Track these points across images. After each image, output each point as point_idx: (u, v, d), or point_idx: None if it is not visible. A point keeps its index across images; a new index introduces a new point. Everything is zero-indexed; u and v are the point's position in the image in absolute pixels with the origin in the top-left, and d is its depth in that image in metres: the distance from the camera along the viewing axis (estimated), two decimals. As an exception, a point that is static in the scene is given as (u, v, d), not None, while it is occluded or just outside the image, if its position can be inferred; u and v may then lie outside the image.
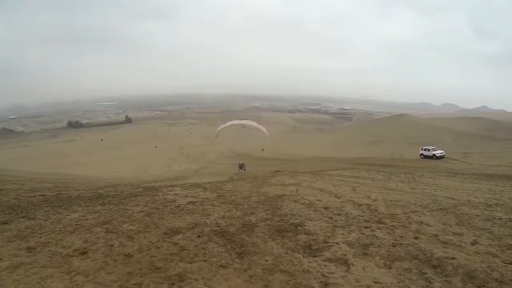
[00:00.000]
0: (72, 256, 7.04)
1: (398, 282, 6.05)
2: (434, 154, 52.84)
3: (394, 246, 7.72)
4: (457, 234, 8.64)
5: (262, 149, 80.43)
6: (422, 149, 55.93)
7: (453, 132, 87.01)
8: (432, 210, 11.37)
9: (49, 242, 7.78)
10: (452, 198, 13.93)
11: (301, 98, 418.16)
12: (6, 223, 9.20)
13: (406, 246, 7.71)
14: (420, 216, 10.48)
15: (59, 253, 7.17)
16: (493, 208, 11.99)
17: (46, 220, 9.72)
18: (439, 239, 8.25)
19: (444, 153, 53.35)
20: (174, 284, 5.94)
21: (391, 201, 12.99)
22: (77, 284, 5.84)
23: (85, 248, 7.46)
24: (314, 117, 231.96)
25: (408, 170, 31.07)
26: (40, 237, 8.12)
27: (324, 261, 6.98)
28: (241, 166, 39.92)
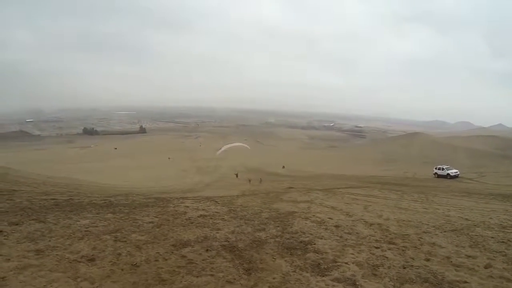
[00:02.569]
0: (79, 262, 7.06)
1: (407, 306, 5.92)
2: (448, 174, 51.99)
3: (405, 268, 7.56)
4: (470, 256, 8.45)
5: (283, 167, 79.83)
6: (436, 168, 55.12)
7: (467, 151, 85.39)
8: (445, 231, 11.19)
9: (57, 246, 7.83)
10: (466, 219, 13.72)
11: (316, 114, 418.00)
12: (17, 224, 9.29)
13: (417, 268, 7.55)
14: (432, 237, 10.30)
15: (67, 258, 7.20)
16: (508, 230, 11.76)
17: (56, 224, 9.80)
18: (451, 261, 8.07)
19: (458, 173, 52.47)
20: None
21: (403, 221, 12.81)
22: None
23: (93, 255, 7.48)
24: (328, 134, 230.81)
25: (421, 189, 30.68)
26: (49, 241, 8.17)
27: (332, 281, 6.86)
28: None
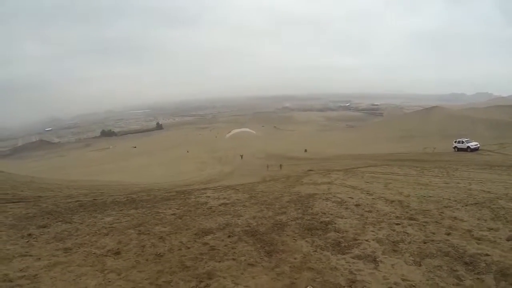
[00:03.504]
0: (105, 256, 7.36)
1: (427, 280, 5.94)
2: (468, 147, 50.81)
3: (425, 243, 7.58)
4: (492, 229, 8.37)
5: (305, 150, 79.55)
6: (455, 142, 53.94)
7: (487, 122, 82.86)
8: (466, 205, 11.05)
9: (84, 243, 8.15)
10: (488, 191, 13.47)
11: (331, 96, 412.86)
12: (45, 227, 9.65)
13: (438, 243, 7.55)
14: (453, 212, 10.22)
15: (94, 253, 7.51)
16: (532, 201, 11.50)
17: (82, 223, 10.14)
18: (472, 235, 8.03)
19: (479, 145, 51.22)
20: (203, 281, 6.10)
21: (424, 196, 12.70)
22: (109, 282, 6.13)
23: (118, 248, 7.77)
24: (345, 114, 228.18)
25: (441, 164, 30.22)
26: (76, 239, 8.51)
27: (353, 258, 6.95)
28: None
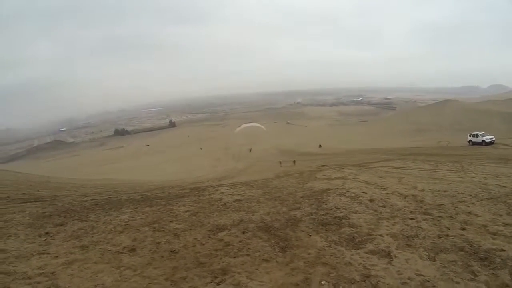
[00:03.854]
0: (121, 253, 7.51)
1: (442, 275, 5.91)
2: (483, 140, 49.98)
3: (440, 238, 7.53)
4: (508, 224, 8.26)
5: (320, 146, 78.98)
6: (470, 136, 53.19)
7: (502, 116, 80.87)
8: (481, 200, 10.93)
9: (100, 241, 8.32)
10: (503, 186, 13.26)
11: (343, 90, 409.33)
12: (62, 225, 9.87)
13: (452, 238, 7.50)
14: (468, 206, 10.12)
15: (110, 250, 7.68)
16: (549, 196, 11.31)
17: (97, 221, 10.32)
18: (488, 230, 7.94)
19: (494, 139, 50.34)
20: (217, 277, 6.18)
21: (438, 191, 12.59)
22: (126, 278, 6.26)
23: (133, 245, 7.92)
24: (357, 108, 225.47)
25: (455, 158, 29.87)
26: (92, 237, 8.69)
27: (367, 253, 6.95)
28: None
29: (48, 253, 7.47)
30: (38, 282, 6.01)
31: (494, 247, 6.93)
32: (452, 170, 19.67)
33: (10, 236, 8.77)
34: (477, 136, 51.52)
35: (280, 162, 48.28)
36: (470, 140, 52.56)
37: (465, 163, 23.29)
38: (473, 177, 16.31)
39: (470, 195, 11.66)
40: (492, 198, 11.15)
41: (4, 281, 6.00)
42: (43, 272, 6.43)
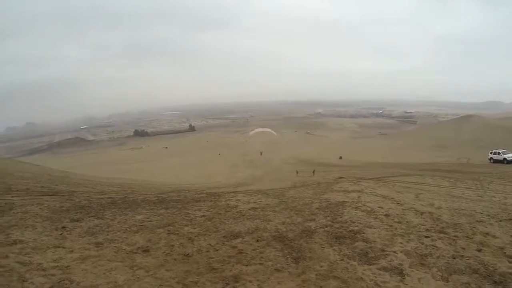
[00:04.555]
0: (135, 253, 7.65)
1: (454, 297, 5.85)
2: (505, 158, 48.49)
3: (454, 258, 7.41)
4: (526, 248, 8.06)
5: (340, 157, 78.20)
6: (491, 153, 51.78)
7: None
8: (500, 221, 10.71)
9: (115, 239, 8.51)
10: (524, 207, 13.05)
11: (364, 102, 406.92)
12: (78, 221, 10.13)
13: (468, 259, 7.37)
14: (486, 227, 9.93)
15: (124, 249, 7.83)
16: None
17: (113, 220, 10.55)
18: (505, 252, 7.77)
19: (516, 157, 49.21)
20: (229, 284, 6.23)
21: (456, 209, 12.40)
22: (138, 278, 6.36)
23: (147, 246, 8.06)
24: (377, 121, 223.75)
25: (475, 176, 29.25)
26: (107, 235, 8.88)
27: (379, 269, 6.90)
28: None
29: (64, 247, 7.66)
30: (53, 275, 6.15)
31: (510, 271, 6.78)
32: (471, 188, 19.37)
33: (27, 227, 9.03)
34: (499, 153, 50.22)
35: (297, 172, 48.05)
36: (491, 158, 51.31)
37: (485, 182, 22.91)
38: (493, 197, 16.04)
39: (489, 215, 11.44)
40: (511, 219, 10.93)
41: (20, 271, 6.16)
42: (57, 265, 6.59)
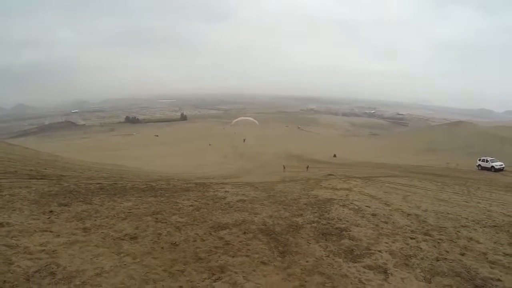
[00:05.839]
0: (122, 239, 7.65)
1: (435, 299, 5.94)
2: (492, 166, 48.93)
3: (438, 261, 7.54)
4: (508, 255, 8.21)
5: (334, 155, 78.16)
6: (479, 160, 52.31)
7: None
8: (484, 227, 10.89)
9: (103, 225, 8.47)
10: (508, 215, 13.19)
11: (356, 101, 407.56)
12: (66, 205, 10.03)
13: (451, 262, 7.51)
14: (470, 232, 10.09)
15: (111, 235, 7.81)
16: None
17: (101, 205, 10.49)
18: (487, 258, 7.92)
19: (503, 165, 49.35)
20: (215, 274, 6.27)
21: (442, 213, 12.56)
22: (125, 264, 6.37)
23: (135, 234, 8.05)
24: (369, 121, 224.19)
25: (463, 181, 29.58)
26: (95, 220, 8.84)
27: (364, 267, 6.99)
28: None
29: (51, 231, 7.60)
30: (39, 259, 6.12)
31: (491, 276, 6.92)
32: (458, 193, 19.59)
33: (15, 210, 8.92)
34: (487, 161, 50.73)
35: (284, 167, 47.95)
36: (479, 165, 51.81)
37: (472, 188, 23.18)
38: (479, 203, 16.23)
39: (474, 221, 11.61)
40: (495, 226, 11.10)
41: (6, 254, 6.11)
42: (44, 249, 6.55)
